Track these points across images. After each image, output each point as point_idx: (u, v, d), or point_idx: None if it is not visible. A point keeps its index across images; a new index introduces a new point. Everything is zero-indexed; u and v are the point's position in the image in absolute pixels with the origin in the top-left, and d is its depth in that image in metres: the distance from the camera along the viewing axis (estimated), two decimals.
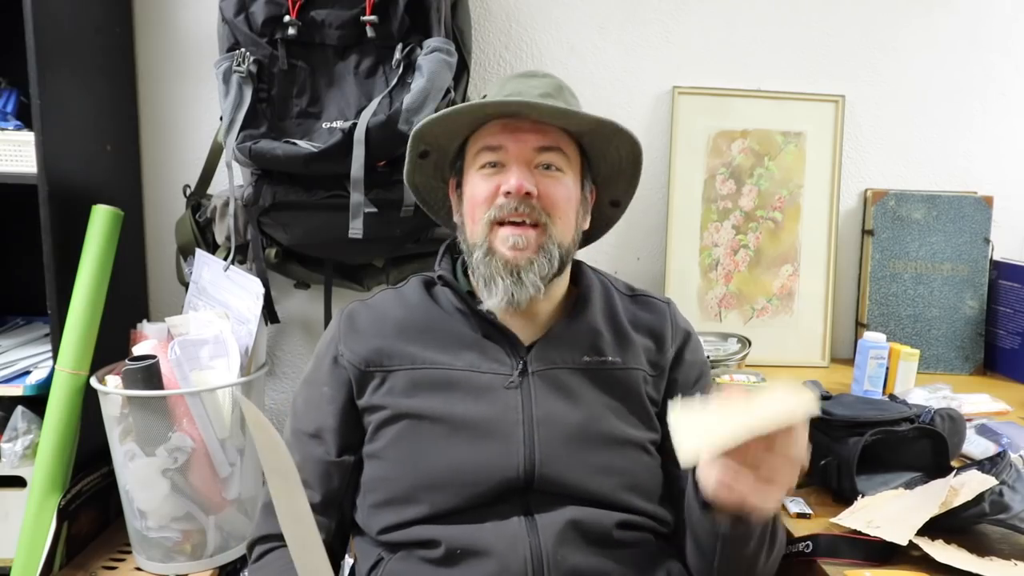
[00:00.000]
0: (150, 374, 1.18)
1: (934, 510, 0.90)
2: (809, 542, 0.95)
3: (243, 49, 1.32)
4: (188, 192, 1.53)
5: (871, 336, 1.49)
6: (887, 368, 1.47)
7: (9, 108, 1.36)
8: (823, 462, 1.09)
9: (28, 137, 1.23)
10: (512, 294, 0.92)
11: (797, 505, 1.06)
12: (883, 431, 1.07)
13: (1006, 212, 1.79)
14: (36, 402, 1.29)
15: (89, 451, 1.29)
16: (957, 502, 0.91)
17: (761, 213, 1.72)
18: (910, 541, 0.88)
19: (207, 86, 1.57)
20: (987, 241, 1.72)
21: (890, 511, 0.96)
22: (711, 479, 0.72)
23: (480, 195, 0.95)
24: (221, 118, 1.35)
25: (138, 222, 1.60)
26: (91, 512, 1.31)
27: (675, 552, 0.95)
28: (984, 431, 1.27)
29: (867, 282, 1.75)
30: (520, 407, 0.92)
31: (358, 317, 1.01)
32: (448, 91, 1.34)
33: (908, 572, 0.88)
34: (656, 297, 1.08)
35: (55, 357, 1.24)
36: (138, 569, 1.25)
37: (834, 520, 1.00)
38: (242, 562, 1.28)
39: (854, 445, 1.06)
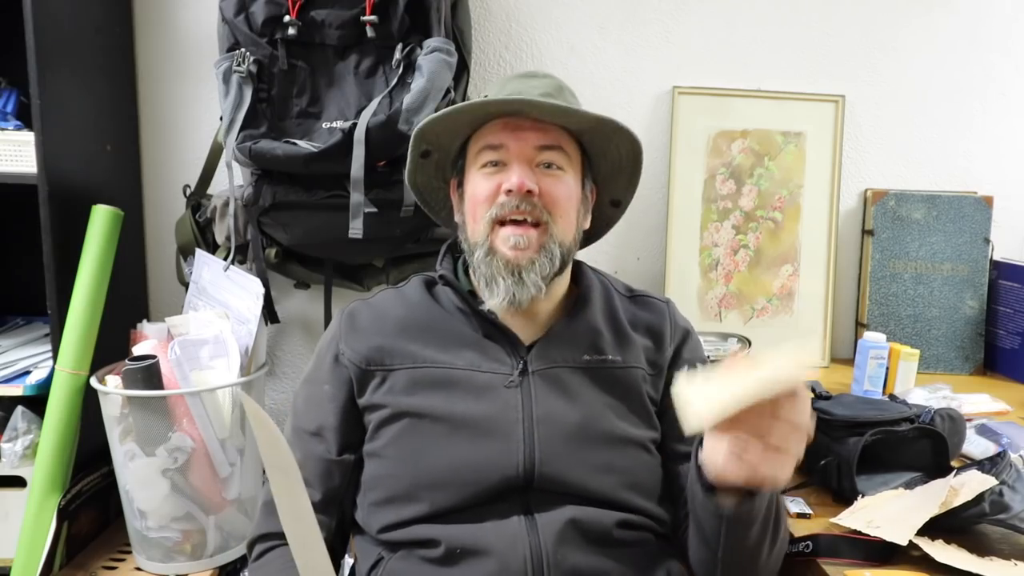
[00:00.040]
0: (150, 374, 1.18)
1: (934, 510, 0.91)
2: (809, 542, 0.95)
3: (243, 49, 1.32)
4: (188, 192, 1.53)
5: (871, 336, 1.49)
6: (887, 368, 1.47)
7: (9, 108, 1.36)
8: (823, 462, 1.09)
9: (28, 137, 1.23)
10: (513, 294, 0.92)
11: (797, 505, 1.06)
12: (883, 431, 1.07)
13: (1006, 212, 1.79)
14: (36, 402, 1.28)
15: (89, 451, 1.29)
16: (957, 502, 0.91)
17: (761, 213, 1.72)
18: (910, 541, 0.88)
19: (207, 86, 1.57)
20: (987, 241, 1.72)
21: (890, 511, 0.96)
22: (719, 453, 0.71)
23: (481, 194, 0.95)
24: (221, 118, 1.35)
25: (138, 222, 1.60)
26: (91, 512, 1.31)
27: (675, 552, 0.95)
28: (984, 431, 1.27)
29: (867, 282, 1.75)
30: (520, 406, 0.92)
31: (359, 316, 1.01)
32: (448, 91, 1.34)
33: (908, 572, 0.88)
34: (655, 297, 1.08)
35: (55, 357, 1.24)
36: (138, 569, 1.24)
37: (834, 520, 1.00)
38: (242, 562, 1.28)
39: (854, 445, 1.06)
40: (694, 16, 1.69)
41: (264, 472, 1.28)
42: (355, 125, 1.28)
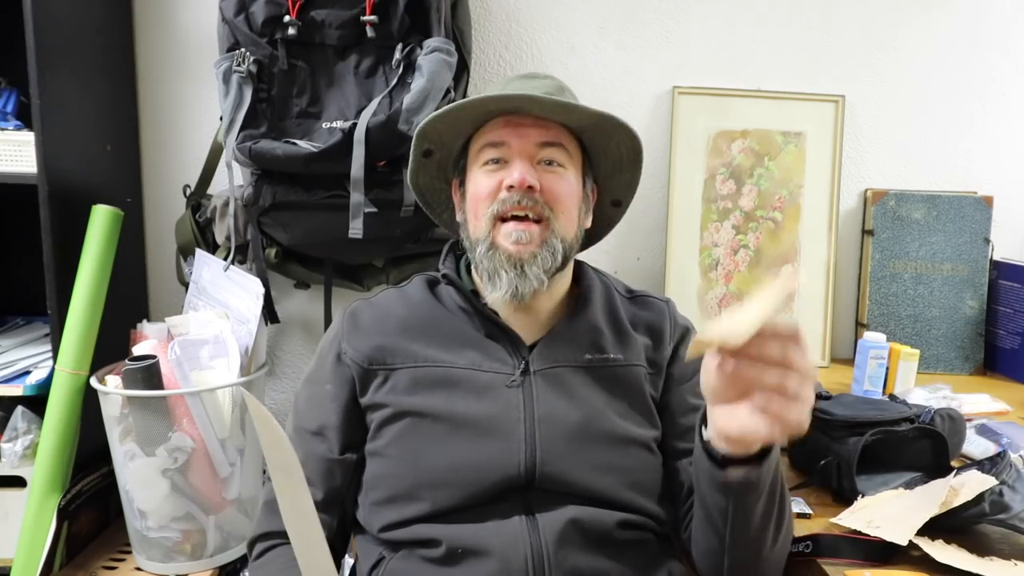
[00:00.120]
0: (150, 374, 1.18)
1: (934, 510, 0.90)
2: (809, 542, 0.95)
3: (243, 49, 1.32)
4: (188, 192, 1.53)
5: (871, 336, 1.49)
6: (887, 368, 1.47)
7: (9, 108, 1.36)
8: (823, 462, 1.09)
9: (28, 137, 1.23)
10: (516, 287, 0.92)
11: (797, 505, 1.05)
12: (883, 431, 1.07)
13: (1006, 212, 1.79)
14: (36, 402, 1.29)
15: (89, 451, 1.29)
16: (957, 502, 0.91)
17: (761, 213, 1.72)
18: (910, 541, 0.88)
19: (207, 86, 1.57)
20: (987, 241, 1.72)
21: (890, 511, 0.96)
22: (737, 419, 0.70)
23: (483, 191, 0.95)
24: (221, 118, 1.35)
25: (138, 222, 1.60)
26: (91, 512, 1.31)
27: (676, 552, 0.95)
28: (984, 431, 1.27)
29: (867, 282, 1.75)
30: (522, 405, 0.92)
31: (361, 315, 1.02)
32: (448, 91, 1.34)
33: (908, 572, 0.88)
34: (655, 296, 1.08)
35: (55, 357, 1.24)
36: (138, 569, 1.24)
37: (834, 520, 1.00)
38: (242, 562, 1.28)
39: (854, 445, 1.06)
40: (694, 16, 1.69)
41: (265, 471, 1.29)
42: (355, 125, 1.28)
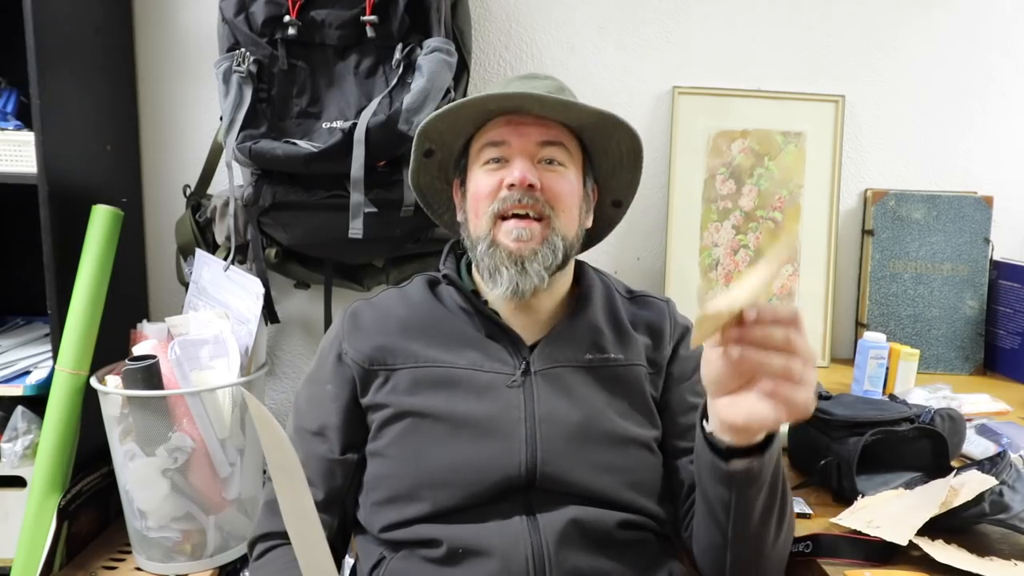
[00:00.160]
0: (150, 374, 1.18)
1: (934, 510, 0.90)
2: (809, 542, 0.95)
3: (243, 49, 1.32)
4: (188, 192, 1.53)
5: (871, 336, 1.49)
6: (887, 368, 1.47)
7: (9, 108, 1.36)
8: (823, 462, 1.09)
9: (28, 137, 1.23)
10: (517, 283, 0.92)
11: (797, 505, 1.05)
12: (883, 431, 1.07)
13: (1006, 212, 1.79)
14: (36, 402, 1.28)
15: (89, 451, 1.29)
16: (957, 502, 0.91)
17: (761, 213, 1.72)
18: (910, 541, 0.88)
19: (207, 86, 1.57)
20: (987, 241, 1.72)
21: (890, 511, 0.96)
22: (743, 407, 0.70)
23: (484, 189, 0.95)
24: (221, 118, 1.35)
25: (138, 222, 1.60)
26: (91, 512, 1.31)
27: (676, 552, 0.95)
28: (984, 431, 1.27)
29: (867, 282, 1.75)
30: (522, 405, 0.92)
31: (362, 315, 1.02)
32: (448, 91, 1.34)
33: (908, 572, 0.88)
34: (655, 296, 1.08)
35: (55, 357, 1.24)
36: (138, 569, 1.24)
37: (834, 520, 1.00)
38: (242, 562, 1.28)
39: (854, 445, 1.06)
40: (694, 16, 1.69)
41: (265, 472, 1.29)
42: (355, 125, 1.28)
